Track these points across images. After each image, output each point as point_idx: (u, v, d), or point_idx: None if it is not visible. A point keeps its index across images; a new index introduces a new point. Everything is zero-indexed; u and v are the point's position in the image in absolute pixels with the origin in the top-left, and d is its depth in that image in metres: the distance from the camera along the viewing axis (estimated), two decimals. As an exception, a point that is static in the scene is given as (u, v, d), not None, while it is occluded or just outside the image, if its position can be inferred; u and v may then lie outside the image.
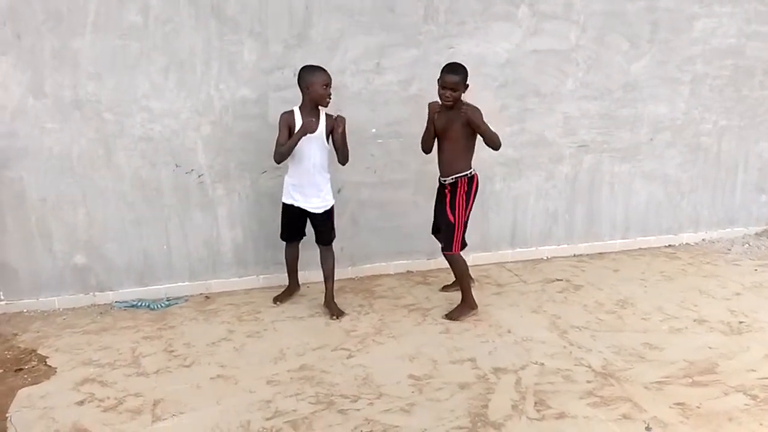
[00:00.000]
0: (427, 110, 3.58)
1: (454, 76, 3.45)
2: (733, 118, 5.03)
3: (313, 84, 3.49)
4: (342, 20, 4.01)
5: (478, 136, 3.52)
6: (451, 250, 3.70)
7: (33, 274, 3.91)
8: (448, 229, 3.67)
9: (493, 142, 3.49)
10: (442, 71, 3.49)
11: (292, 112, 3.60)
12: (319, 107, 3.59)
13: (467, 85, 3.50)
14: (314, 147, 3.59)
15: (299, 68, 3.58)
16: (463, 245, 3.75)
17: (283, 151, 3.54)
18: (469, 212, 3.69)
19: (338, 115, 3.60)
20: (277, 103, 3.95)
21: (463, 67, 3.50)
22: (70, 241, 3.92)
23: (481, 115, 3.44)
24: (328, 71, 3.55)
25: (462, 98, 3.51)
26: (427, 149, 3.74)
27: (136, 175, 3.93)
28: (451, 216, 3.64)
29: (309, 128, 3.46)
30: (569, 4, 4.40)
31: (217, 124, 3.98)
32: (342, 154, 3.63)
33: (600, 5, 4.46)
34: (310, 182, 3.66)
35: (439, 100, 3.53)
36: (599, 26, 4.51)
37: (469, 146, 3.60)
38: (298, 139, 3.49)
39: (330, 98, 3.56)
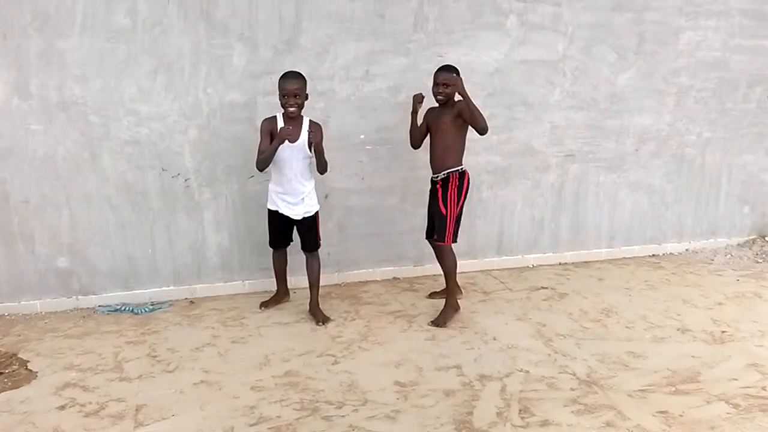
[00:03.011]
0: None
1: (448, 73, 3.61)
2: (718, 130, 5.10)
3: (279, 92, 3.48)
4: (332, 27, 4.02)
5: (469, 132, 3.63)
6: (444, 241, 3.73)
7: (14, 277, 3.86)
8: (440, 221, 3.72)
9: (478, 121, 3.52)
10: (436, 72, 3.66)
11: (274, 118, 3.59)
12: (302, 114, 3.58)
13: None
14: (295, 155, 3.57)
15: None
16: (454, 238, 3.78)
17: (263, 159, 3.51)
18: (461, 207, 3.73)
19: (314, 124, 3.58)
20: (265, 107, 3.94)
21: (455, 68, 3.66)
22: (53, 244, 3.88)
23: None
24: (299, 77, 3.48)
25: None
26: (414, 143, 3.87)
27: (122, 178, 3.90)
28: (443, 208, 3.69)
29: (284, 135, 3.43)
30: (558, 15, 4.45)
31: (205, 128, 3.96)
32: (319, 163, 3.59)
33: (588, 17, 4.52)
34: (291, 189, 3.64)
35: (422, 93, 3.77)
36: (587, 37, 4.56)
37: (460, 142, 3.69)
38: (276, 148, 3.47)
39: (293, 107, 3.47)
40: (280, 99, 3.50)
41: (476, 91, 4.34)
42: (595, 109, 4.73)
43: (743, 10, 4.85)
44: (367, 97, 4.19)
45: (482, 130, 3.57)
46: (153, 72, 3.79)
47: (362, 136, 4.25)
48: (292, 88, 3.45)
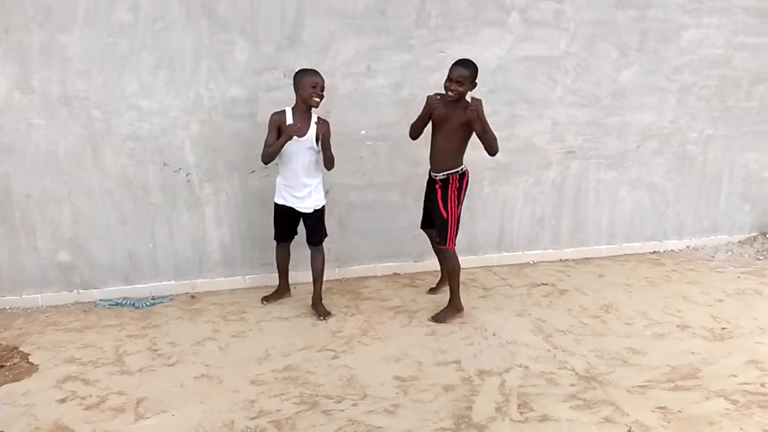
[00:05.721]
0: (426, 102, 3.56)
1: (464, 69, 3.44)
2: (720, 128, 5.09)
3: (303, 85, 3.50)
4: (334, 23, 4.02)
5: (473, 135, 3.53)
6: (446, 245, 3.71)
7: (16, 271, 3.88)
8: (442, 225, 3.69)
9: (492, 146, 3.47)
10: (453, 65, 3.47)
11: (283, 112, 3.60)
12: (312, 110, 3.59)
13: (475, 84, 3.51)
14: (303, 150, 3.59)
15: (291, 69, 3.58)
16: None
17: (269, 153, 3.54)
18: (461, 207, 3.70)
19: (322, 119, 3.61)
20: (267, 103, 3.95)
21: (475, 65, 3.49)
22: (55, 238, 3.89)
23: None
24: (321, 74, 3.55)
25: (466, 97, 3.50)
26: (414, 135, 3.71)
27: (123, 173, 3.91)
28: (444, 212, 3.66)
29: (292, 132, 3.47)
30: (560, 12, 4.44)
31: (206, 123, 3.97)
32: (326, 158, 3.62)
33: (590, 14, 4.51)
34: (299, 183, 3.66)
35: (439, 95, 3.51)
36: (589, 34, 4.55)
37: (463, 144, 3.61)
38: (283, 143, 3.50)
39: (318, 98, 3.53)
40: (305, 90, 3.49)
41: (478, 87, 4.32)
42: (596, 106, 4.73)
43: (746, 7, 4.83)
44: (368, 93, 4.19)
45: (493, 154, 3.50)
46: (155, 67, 3.80)
47: (363, 132, 4.25)
48: (322, 81, 3.54)
